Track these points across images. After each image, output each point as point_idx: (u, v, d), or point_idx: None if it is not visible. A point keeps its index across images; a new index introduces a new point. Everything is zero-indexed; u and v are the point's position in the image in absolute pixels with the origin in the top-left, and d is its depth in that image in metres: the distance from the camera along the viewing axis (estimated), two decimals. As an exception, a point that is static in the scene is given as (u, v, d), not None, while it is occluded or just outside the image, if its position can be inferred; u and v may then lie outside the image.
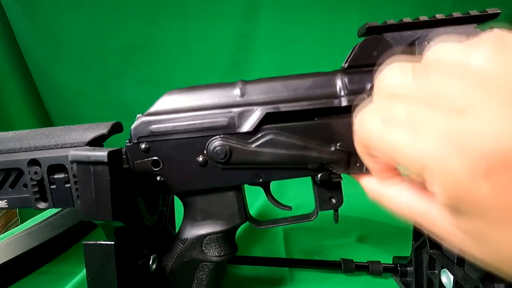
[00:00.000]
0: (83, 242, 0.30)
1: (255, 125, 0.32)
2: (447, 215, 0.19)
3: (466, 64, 0.18)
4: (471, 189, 0.16)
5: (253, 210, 0.75)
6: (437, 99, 0.18)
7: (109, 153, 0.27)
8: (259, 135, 0.32)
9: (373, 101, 0.21)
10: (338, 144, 0.31)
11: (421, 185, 0.22)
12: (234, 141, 0.32)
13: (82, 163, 0.27)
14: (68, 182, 0.34)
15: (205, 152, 0.33)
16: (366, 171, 0.31)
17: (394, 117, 0.19)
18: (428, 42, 0.29)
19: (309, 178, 0.35)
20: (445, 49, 0.19)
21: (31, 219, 0.73)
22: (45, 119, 1.13)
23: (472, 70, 0.17)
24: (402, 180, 0.24)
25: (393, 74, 0.20)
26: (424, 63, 0.20)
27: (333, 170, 0.32)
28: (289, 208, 0.39)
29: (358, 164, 0.31)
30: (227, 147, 0.32)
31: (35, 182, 0.34)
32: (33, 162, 0.34)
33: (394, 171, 0.25)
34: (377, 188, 0.26)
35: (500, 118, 0.15)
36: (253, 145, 0.32)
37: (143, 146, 0.33)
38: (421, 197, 0.22)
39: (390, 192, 0.24)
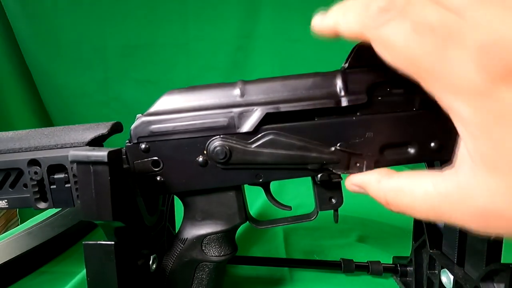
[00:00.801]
0: (83, 242, 0.30)
1: (255, 125, 0.32)
2: (478, 170, 0.18)
3: None
4: (494, 94, 0.16)
5: (253, 210, 0.75)
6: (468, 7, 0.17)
7: (109, 153, 0.27)
8: (259, 135, 0.32)
9: (398, 8, 0.19)
10: (338, 145, 0.31)
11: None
12: (234, 141, 0.32)
13: (82, 163, 0.27)
14: (68, 182, 0.34)
15: (205, 152, 0.33)
16: (366, 170, 0.31)
17: (426, 22, 0.18)
18: None
19: (309, 178, 0.35)
20: None
21: (31, 219, 0.73)
22: (45, 119, 1.13)
23: None
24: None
25: None
26: None
27: (333, 171, 0.32)
28: (289, 208, 0.39)
29: (358, 165, 0.31)
30: (227, 147, 0.32)
31: (35, 182, 0.34)
32: (33, 162, 0.34)
33: None
34: (394, 185, 0.24)
35: None
36: (253, 145, 0.32)
37: (143, 146, 0.33)
38: (443, 175, 0.21)
39: (409, 184, 0.23)
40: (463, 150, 0.20)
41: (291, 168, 0.33)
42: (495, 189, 0.18)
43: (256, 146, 0.32)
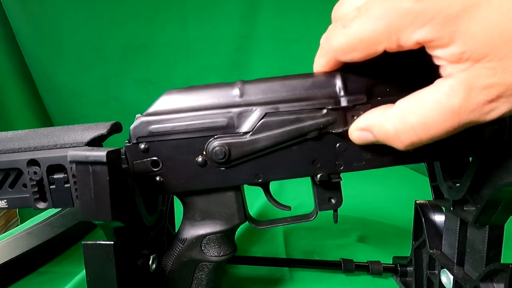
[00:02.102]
0: (83, 242, 0.29)
1: (255, 125, 0.32)
2: (470, 65, 0.21)
3: None
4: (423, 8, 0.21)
5: (253, 210, 0.75)
6: None
7: (108, 153, 0.27)
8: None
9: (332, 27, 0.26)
10: (329, 106, 0.31)
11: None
12: (229, 138, 0.32)
13: (80, 163, 0.27)
14: (67, 182, 0.34)
15: (204, 152, 0.33)
16: None
17: (349, 17, 0.24)
18: None
19: (309, 178, 0.35)
20: None
21: (31, 219, 0.73)
22: (45, 119, 1.13)
23: None
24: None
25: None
26: None
27: (333, 131, 0.32)
28: (288, 208, 0.39)
29: (355, 118, 0.31)
30: (226, 147, 0.32)
31: (35, 182, 0.34)
32: (33, 162, 0.34)
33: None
34: (400, 109, 0.25)
35: None
36: (248, 135, 0.32)
37: (142, 146, 0.33)
38: (443, 82, 0.23)
39: (414, 102, 0.24)
40: (447, 66, 0.22)
41: (293, 144, 0.32)
42: (492, 68, 0.21)
43: (251, 134, 0.32)
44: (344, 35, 0.25)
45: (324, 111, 0.31)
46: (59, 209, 0.67)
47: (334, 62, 0.30)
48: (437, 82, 0.23)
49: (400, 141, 0.25)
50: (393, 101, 0.31)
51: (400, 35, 0.22)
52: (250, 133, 0.32)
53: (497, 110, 0.22)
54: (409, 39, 0.22)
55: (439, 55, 0.22)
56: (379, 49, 0.24)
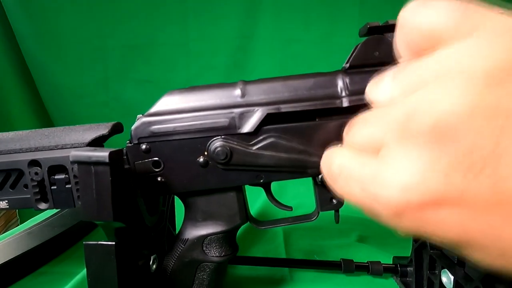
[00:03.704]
0: (84, 243, 0.30)
1: (256, 125, 0.32)
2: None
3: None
4: (399, 224, 0.16)
5: (253, 210, 0.75)
6: (363, 145, 0.19)
7: (111, 154, 0.27)
8: (260, 138, 0.32)
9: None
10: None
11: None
12: (235, 142, 0.32)
13: (83, 163, 0.27)
14: (68, 182, 0.34)
15: (205, 153, 0.33)
16: None
17: (333, 172, 0.21)
18: None
19: (310, 178, 0.35)
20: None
21: (31, 219, 0.73)
22: (45, 119, 1.13)
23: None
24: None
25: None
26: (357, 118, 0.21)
27: None
28: (290, 208, 0.39)
29: None
30: (228, 148, 0.32)
31: (36, 183, 0.34)
32: (34, 163, 0.34)
33: None
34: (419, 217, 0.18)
35: (406, 166, 0.15)
36: (254, 147, 0.32)
37: (143, 146, 0.33)
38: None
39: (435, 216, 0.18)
40: None
41: (291, 171, 0.33)
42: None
43: (257, 148, 0.32)
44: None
45: None
46: (59, 209, 0.67)
47: None
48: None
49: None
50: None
51: None
52: (257, 146, 0.32)
53: None
54: None
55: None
56: None
